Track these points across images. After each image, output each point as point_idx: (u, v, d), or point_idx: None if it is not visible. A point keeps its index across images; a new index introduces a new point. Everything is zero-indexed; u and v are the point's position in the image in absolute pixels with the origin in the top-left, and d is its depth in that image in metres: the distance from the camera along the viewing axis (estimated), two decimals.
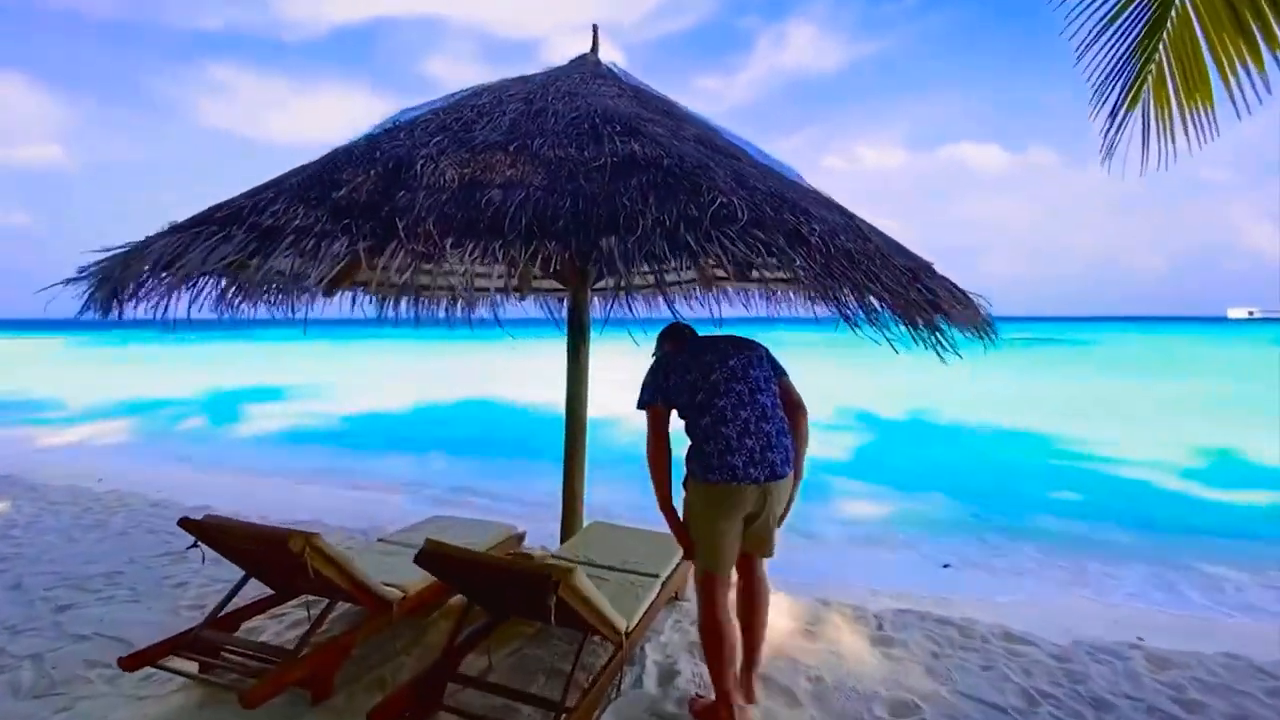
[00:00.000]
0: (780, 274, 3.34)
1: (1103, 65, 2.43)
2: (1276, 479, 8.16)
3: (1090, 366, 27.74)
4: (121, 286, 2.08)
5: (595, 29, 4.06)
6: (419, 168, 2.24)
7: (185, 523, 2.59)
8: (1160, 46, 2.33)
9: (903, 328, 2.05)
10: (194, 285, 2.27)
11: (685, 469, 2.27)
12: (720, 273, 4.61)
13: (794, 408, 2.36)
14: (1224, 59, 2.16)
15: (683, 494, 2.30)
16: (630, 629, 2.55)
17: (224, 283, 2.66)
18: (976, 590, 4.36)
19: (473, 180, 2.19)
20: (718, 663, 2.23)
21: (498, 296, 4.78)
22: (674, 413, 2.31)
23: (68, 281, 2.47)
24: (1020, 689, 2.65)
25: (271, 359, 29.57)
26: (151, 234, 2.24)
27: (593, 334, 3.79)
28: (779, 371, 2.40)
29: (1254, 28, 2.02)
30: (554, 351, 4.15)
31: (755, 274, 3.67)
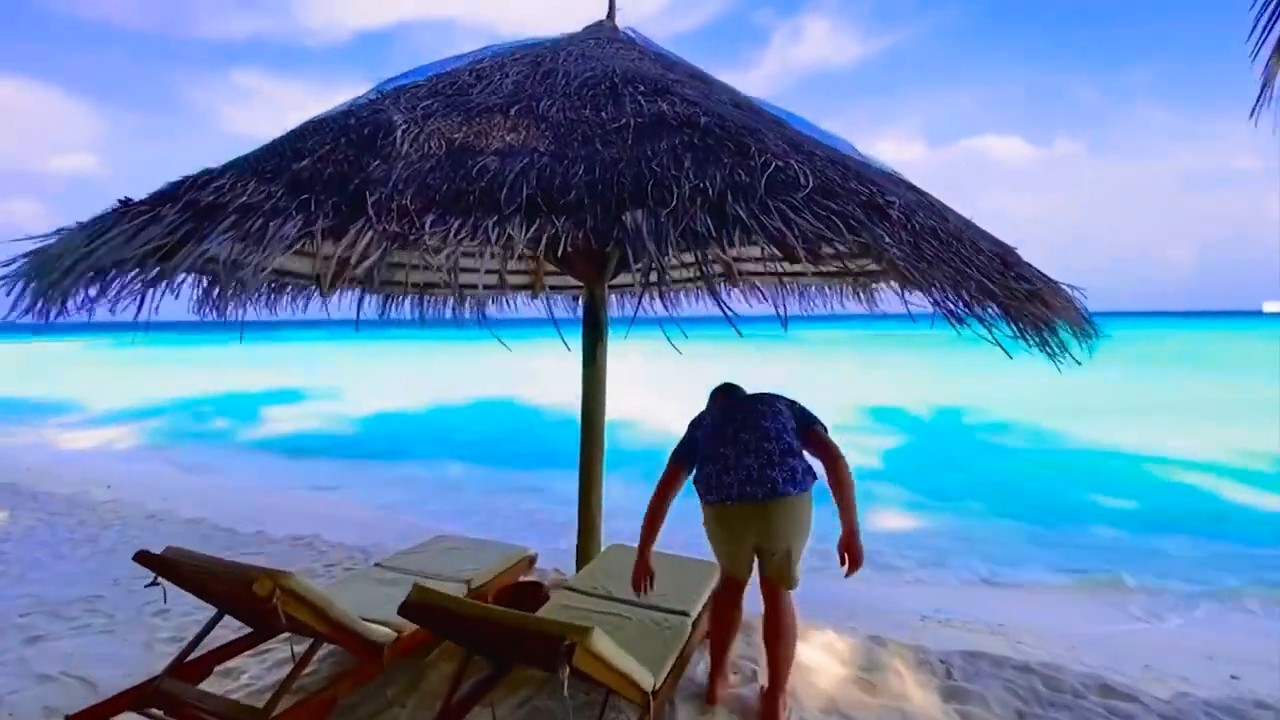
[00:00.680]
0: (850, 262, 2.85)
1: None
2: None
3: (1149, 363, 26.04)
4: (41, 286, 1.69)
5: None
6: (399, 134, 1.79)
7: (142, 557, 2.25)
8: None
9: (1011, 325, 1.59)
10: (151, 281, 1.90)
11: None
12: (749, 265, 4.14)
13: (830, 459, 2.26)
14: None
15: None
16: (658, 686, 2.13)
17: (205, 281, 2.31)
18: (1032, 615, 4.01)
19: (463, 146, 1.75)
20: (716, 647, 2.45)
21: (507, 293, 4.36)
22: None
23: None
24: None
25: (306, 361, 29.69)
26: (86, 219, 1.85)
27: (612, 333, 3.35)
28: (809, 420, 2.33)
29: None
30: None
31: (816, 261, 3.20)
